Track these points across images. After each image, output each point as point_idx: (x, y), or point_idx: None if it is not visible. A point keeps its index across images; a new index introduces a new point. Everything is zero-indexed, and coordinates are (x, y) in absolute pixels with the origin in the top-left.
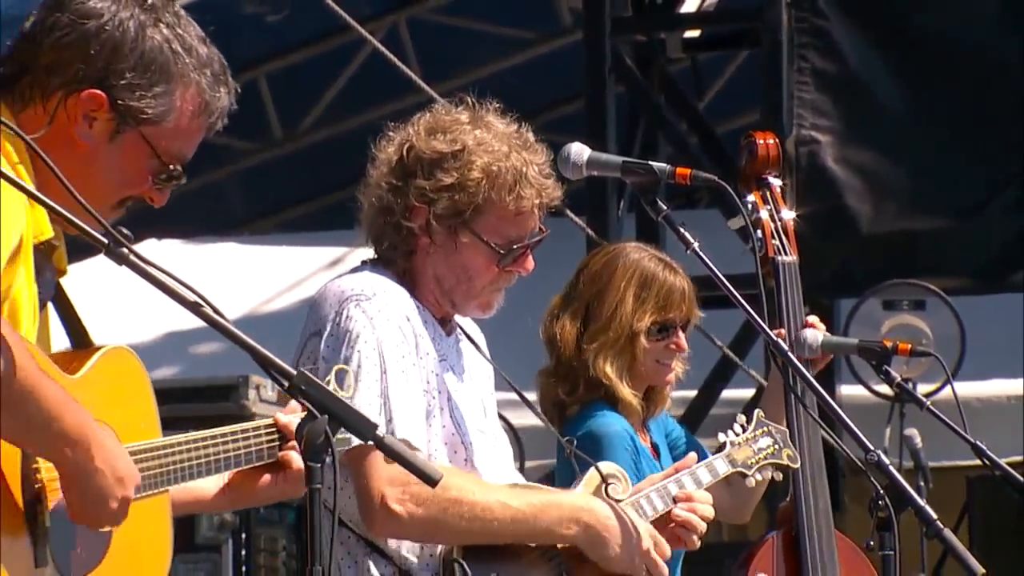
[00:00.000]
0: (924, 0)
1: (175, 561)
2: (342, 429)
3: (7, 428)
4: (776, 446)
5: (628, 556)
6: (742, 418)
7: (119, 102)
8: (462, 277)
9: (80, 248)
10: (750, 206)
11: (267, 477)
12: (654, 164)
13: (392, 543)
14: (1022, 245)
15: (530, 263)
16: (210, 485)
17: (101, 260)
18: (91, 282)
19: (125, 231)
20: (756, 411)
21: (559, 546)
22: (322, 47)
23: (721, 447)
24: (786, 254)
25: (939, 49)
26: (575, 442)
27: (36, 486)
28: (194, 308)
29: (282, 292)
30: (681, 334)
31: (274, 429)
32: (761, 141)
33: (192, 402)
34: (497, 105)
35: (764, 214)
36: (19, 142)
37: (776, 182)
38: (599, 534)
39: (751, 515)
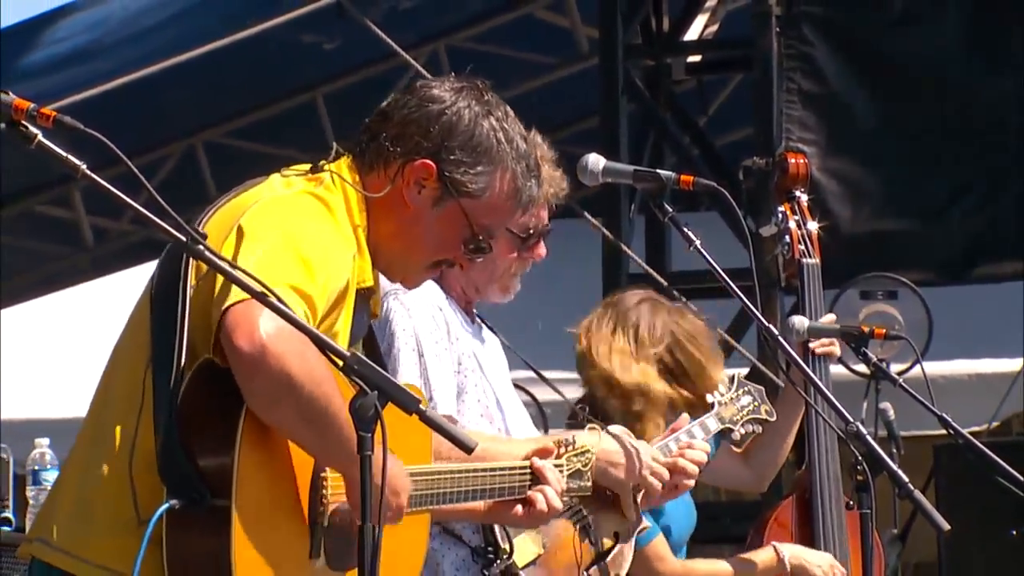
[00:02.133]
0: (895, 29)
1: None
2: None
3: (313, 443)
4: (755, 403)
5: (633, 476)
6: (725, 379)
7: (446, 174)
8: (487, 261)
9: (159, 248)
10: (780, 216)
11: (518, 508)
12: (661, 172)
13: None
14: (981, 243)
15: (543, 250)
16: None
17: None
18: None
19: (201, 231)
20: (736, 373)
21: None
22: (372, 71)
23: (711, 406)
24: (810, 257)
25: (909, 72)
26: (586, 409)
27: (322, 490)
28: (259, 297)
29: None
30: None
31: (528, 469)
32: (793, 160)
33: None
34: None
35: (792, 223)
36: (363, 206)
37: (804, 196)
38: (606, 463)
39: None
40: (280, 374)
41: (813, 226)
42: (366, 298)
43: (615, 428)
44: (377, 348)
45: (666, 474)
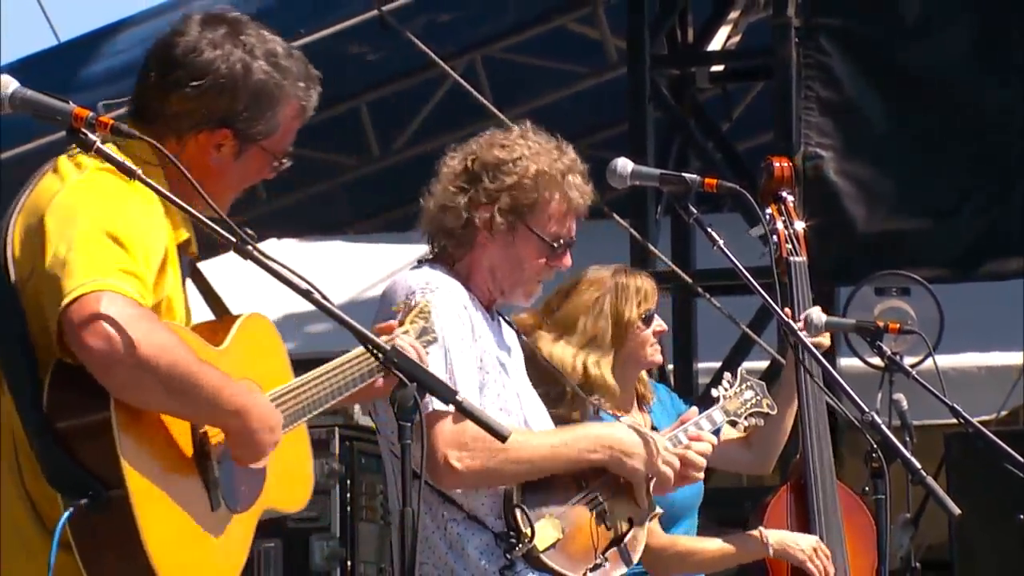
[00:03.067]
0: (908, 41)
1: None
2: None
3: (181, 410)
4: (757, 397)
5: (647, 467)
6: (728, 375)
7: (240, 131)
8: (515, 267)
9: (211, 247)
10: (768, 217)
11: (378, 380)
12: (686, 175)
13: (460, 493)
14: (989, 241)
15: (568, 260)
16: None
17: (230, 257)
18: (223, 274)
19: (250, 232)
20: (740, 369)
21: (594, 482)
22: (413, 80)
23: (716, 400)
24: (797, 255)
25: (920, 81)
26: (600, 400)
27: (205, 446)
28: (306, 295)
29: (379, 282)
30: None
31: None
32: (777, 164)
33: (306, 371)
34: (536, 126)
35: (780, 224)
36: (155, 170)
37: (790, 197)
38: (621, 453)
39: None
40: (134, 359)
41: (800, 226)
42: (185, 248)
43: (627, 419)
44: (210, 287)
45: (677, 463)
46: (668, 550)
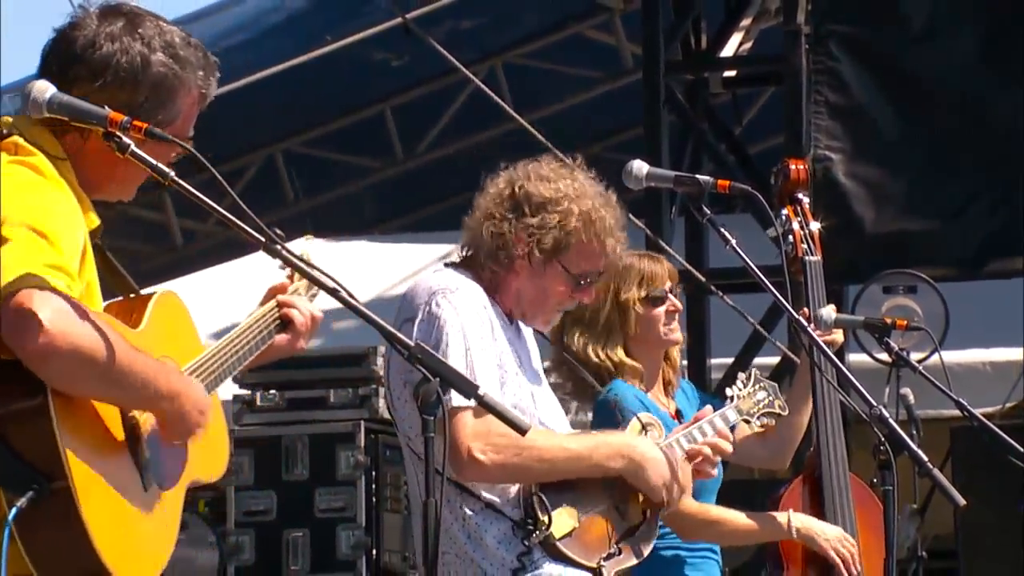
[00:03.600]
0: (916, 46)
1: (321, 492)
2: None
3: (122, 398)
4: (770, 398)
5: (662, 482)
6: (742, 375)
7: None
8: (540, 297)
9: (242, 247)
10: (784, 218)
11: (281, 337)
12: (700, 177)
13: (478, 484)
14: (994, 242)
15: (591, 294)
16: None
17: (259, 256)
18: (253, 274)
19: (279, 232)
20: (753, 369)
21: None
22: (435, 85)
23: (730, 399)
24: (812, 255)
25: (927, 85)
26: (618, 395)
27: (137, 430)
28: (333, 292)
29: (403, 280)
30: (673, 298)
31: (275, 306)
32: (793, 166)
33: (332, 367)
34: (584, 166)
35: (795, 224)
36: (63, 155)
37: (805, 199)
38: (639, 465)
39: (787, 464)
40: (72, 352)
41: (815, 226)
42: (96, 234)
43: (644, 416)
44: (114, 266)
45: (690, 483)
46: (697, 516)
